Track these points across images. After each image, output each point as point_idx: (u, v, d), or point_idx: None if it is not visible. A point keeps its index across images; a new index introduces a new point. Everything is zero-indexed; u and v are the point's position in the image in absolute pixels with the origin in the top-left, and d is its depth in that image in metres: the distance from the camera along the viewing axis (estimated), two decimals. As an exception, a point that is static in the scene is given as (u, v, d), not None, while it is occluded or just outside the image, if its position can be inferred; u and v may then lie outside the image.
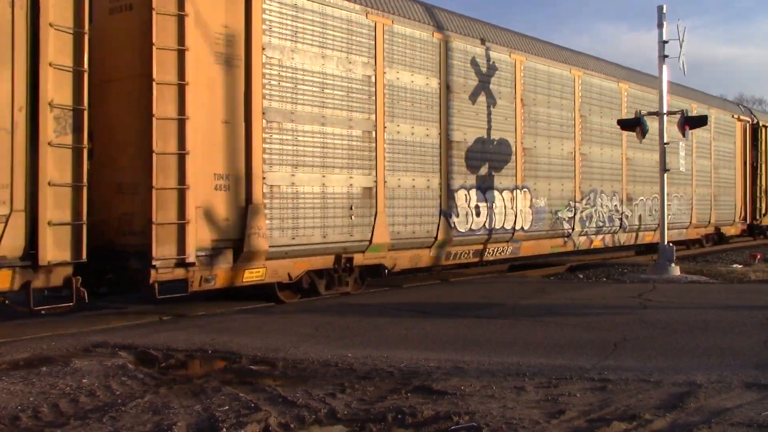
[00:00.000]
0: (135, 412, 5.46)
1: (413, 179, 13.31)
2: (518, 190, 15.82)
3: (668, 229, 17.02)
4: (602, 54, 25.32)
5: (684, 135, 17.14)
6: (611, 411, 5.41)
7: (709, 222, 24.18)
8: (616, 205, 19.08)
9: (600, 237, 18.69)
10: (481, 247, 14.95)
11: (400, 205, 13.04)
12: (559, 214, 17.11)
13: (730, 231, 25.88)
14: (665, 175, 16.40)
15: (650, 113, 16.81)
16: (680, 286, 13.92)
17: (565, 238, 17.32)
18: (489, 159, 15.09)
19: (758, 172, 27.36)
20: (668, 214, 18.30)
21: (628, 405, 5.56)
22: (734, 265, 17.56)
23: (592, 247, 18.61)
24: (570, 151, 17.54)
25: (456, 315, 10.31)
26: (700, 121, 17.27)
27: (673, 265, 15.35)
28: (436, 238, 13.70)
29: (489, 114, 15.14)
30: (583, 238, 18.02)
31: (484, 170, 14.95)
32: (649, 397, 5.80)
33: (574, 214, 17.50)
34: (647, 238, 20.73)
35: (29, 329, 9.18)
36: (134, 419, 5.30)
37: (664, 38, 15.99)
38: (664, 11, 16.03)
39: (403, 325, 9.47)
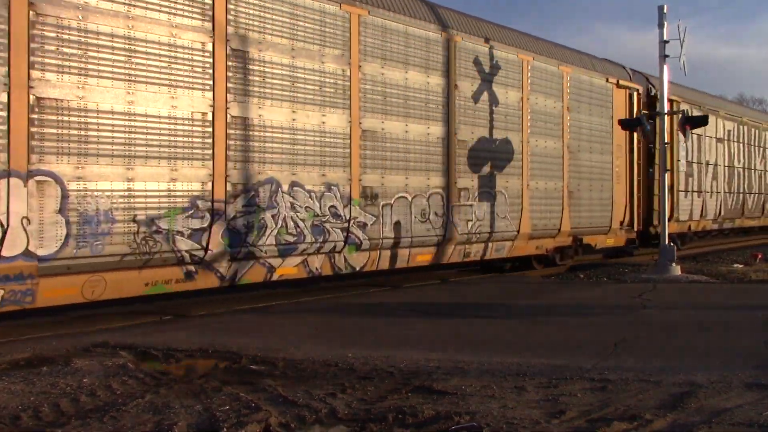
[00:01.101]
0: (135, 412, 5.46)
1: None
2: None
3: (471, 242, 14.55)
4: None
5: (495, 101, 15.11)
6: (611, 411, 5.41)
7: (560, 230, 16.92)
8: (332, 207, 11.94)
9: (286, 260, 11.28)
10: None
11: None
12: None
13: (604, 241, 18.66)
14: (665, 175, 16.42)
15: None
16: (681, 286, 13.91)
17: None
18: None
19: (655, 160, 19.05)
20: (470, 220, 14.62)
21: (628, 405, 5.56)
22: (735, 265, 17.56)
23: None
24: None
25: (456, 315, 10.31)
26: (703, 120, 17.33)
27: (673, 264, 15.35)
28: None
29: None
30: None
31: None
32: (650, 397, 5.80)
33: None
34: (420, 257, 13.62)
35: (29, 329, 9.18)
36: (135, 419, 5.30)
37: (665, 38, 15.99)
38: (665, 11, 16.04)
39: (404, 325, 9.47)
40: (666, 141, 16.48)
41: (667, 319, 9.84)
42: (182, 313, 10.56)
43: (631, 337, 8.37)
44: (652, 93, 20.22)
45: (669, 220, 17.38)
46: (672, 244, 16.06)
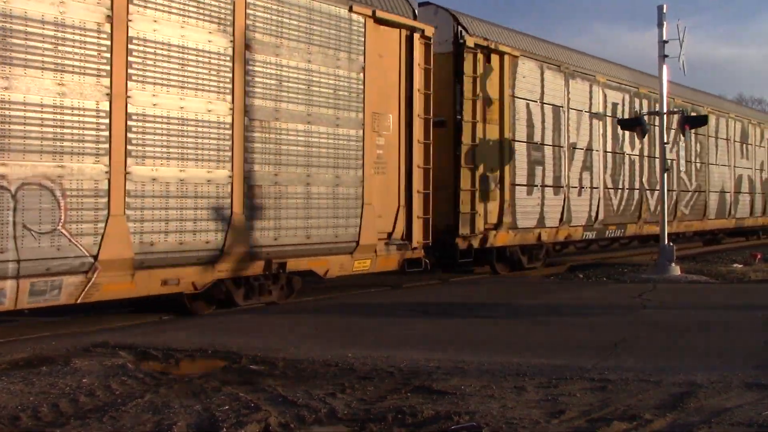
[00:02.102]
0: (135, 412, 5.45)
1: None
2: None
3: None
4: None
5: None
6: (611, 411, 5.41)
7: (223, 251, 10.12)
8: None
9: None
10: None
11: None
12: None
13: (347, 265, 11.89)
14: (665, 175, 16.41)
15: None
16: (680, 286, 13.92)
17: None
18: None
19: (462, 139, 14.32)
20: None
21: (628, 405, 5.56)
22: (734, 265, 17.55)
23: None
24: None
25: (456, 315, 10.31)
26: (701, 120, 17.30)
27: (673, 265, 15.34)
28: None
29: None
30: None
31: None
32: (649, 397, 5.80)
33: None
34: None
35: (29, 329, 9.18)
36: (134, 419, 5.29)
37: (664, 38, 15.98)
38: (665, 11, 16.03)
39: (404, 325, 9.47)
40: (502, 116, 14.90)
41: (666, 319, 9.84)
42: (182, 313, 10.55)
43: (631, 337, 8.36)
44: (462, 40, 14.52)
45: (497, 227, 15.13)
46: (671, 243, 16.02)
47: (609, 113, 19.20)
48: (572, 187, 17.67)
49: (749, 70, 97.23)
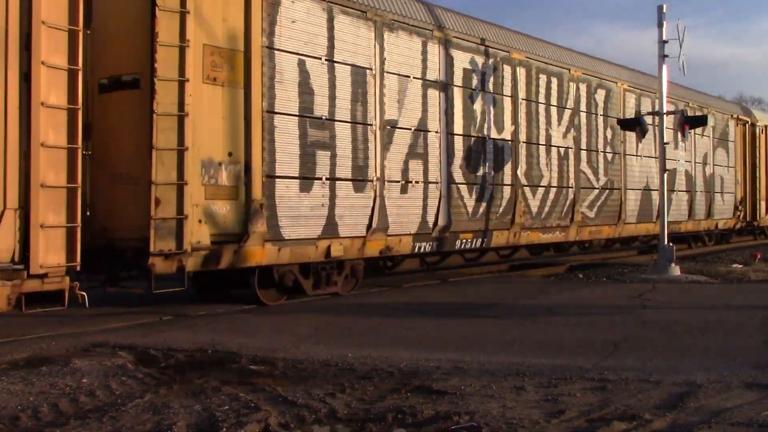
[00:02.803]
0: (135, 412, 5.45)
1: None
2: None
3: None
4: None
5: None
6: (611, 411, 5.41)
7: None
8: None
9: None
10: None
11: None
12: None
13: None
14: (665, 175, 16.41)
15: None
16: (680, 286, 13.92)
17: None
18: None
19: (157, 107, 9.53)
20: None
21: (628, 405, 5.56)
22: (734, 265, 17.56)
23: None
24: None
25: (456, 315, 10.31)
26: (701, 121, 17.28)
27: (673, 265, 15.35)
28: None
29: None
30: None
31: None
32: (649, 397, 5.80)
33: None
34: None
35: (29, 329, 9.18)
36: (134, 419, 5.29)
37: (664, 38, 15.99)
38: (664, 11, 16.03)
39: (403, 325, 9.47)
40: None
41: (666, 319, 9.84)
42: (182, 313, 10.56)
43: (631, 337, 8.36)
44: None
45: (242, 239, 10.25)
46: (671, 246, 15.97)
47: (460, 83, 14.28)
48: (391, 181, 12.70)
49: (748, 70, 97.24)
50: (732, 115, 25.71)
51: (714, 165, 24.38)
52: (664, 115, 16.35)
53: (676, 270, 15.32)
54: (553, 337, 8.53)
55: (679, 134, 17.60)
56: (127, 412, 5.46)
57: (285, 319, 10.11)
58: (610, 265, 17.84)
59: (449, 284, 14.67)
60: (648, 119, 17.38)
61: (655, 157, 19.51)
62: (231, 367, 7.04)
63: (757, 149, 27.27)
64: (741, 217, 26.46)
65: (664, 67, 16.12)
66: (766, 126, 28.03)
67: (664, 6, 16.02)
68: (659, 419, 5.18)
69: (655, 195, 20.03)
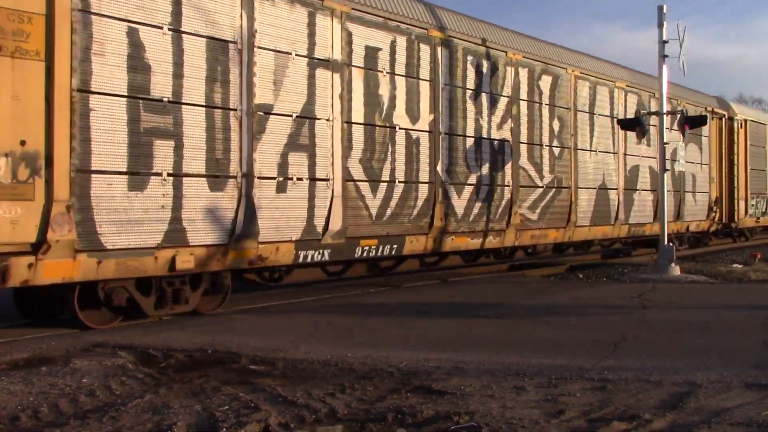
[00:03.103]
0: (135, 412, 5.46)
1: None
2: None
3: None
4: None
5: None
6: (611, 411, 5.41)
7: None
8: None
9: None
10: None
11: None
12: None
13: None
14: (665, 175, 16.41)
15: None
16: (680, 286, 13.92)
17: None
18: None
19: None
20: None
21: (628, 405, 5.56)
22: (734, 265, 17.56)
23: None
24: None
25: (456, 315, 10.31)
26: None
27: (673, 265, 15.35)
28: None
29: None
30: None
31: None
32: (649, 397, 5.80)
33: None
34: None
35: (29, 329, 9.18)
36: (134, 419, 5.30)
37: (664, 38, 15.99)
38: (665, 11, 16.03)
39: (403, 324, 9.47)
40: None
41: (666, 319, 9.84)
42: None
43: (631, 337, 8.36)
44: None
45: (39, 250, 7.84)
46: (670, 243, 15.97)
47: (360, 63, 12.26)
48: (263, 177, 10.62)
49: (748, 70, 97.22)
50: (706, 108, 23.34)
51: (684, 162, 19.90)
52: (664, 115, 16.34)
53: (676, 270, 15.33)
54: (553, 336, 8.53)
55: (514, 104, 15.22)
56: (127, 412, 5.47)
57: (285, 319, 10.12)
58: (610, 265, 17.83)
59: (449, 284, 14.66)
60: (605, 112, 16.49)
61: (614, 153, 18.54)
62: (231, 367, 7.04)
63: (735, 145, 24.76)
64: (716, 219, 24.11)
65: (665, 67, 16.12)
66: (745, 120, 25.47)
67: (665, 6, 16.02)
68: (659, 419, 5.18)
69: (613, 195, 18.65)
